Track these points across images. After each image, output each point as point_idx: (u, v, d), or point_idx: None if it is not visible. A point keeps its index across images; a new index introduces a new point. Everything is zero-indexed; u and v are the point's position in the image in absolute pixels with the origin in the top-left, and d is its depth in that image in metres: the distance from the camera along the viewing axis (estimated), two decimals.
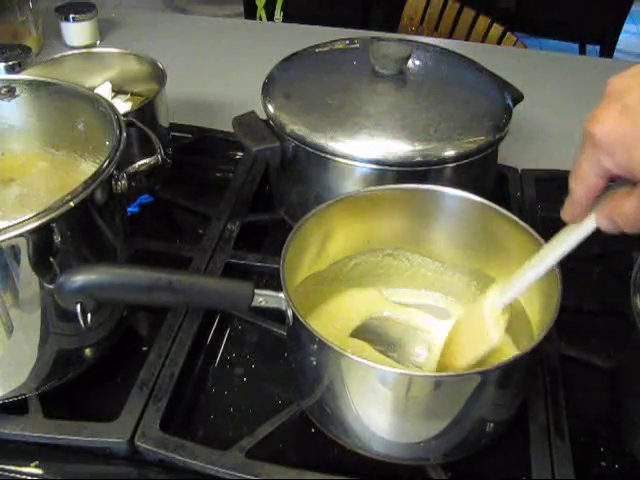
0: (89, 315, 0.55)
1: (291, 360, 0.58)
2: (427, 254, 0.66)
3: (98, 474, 0.58)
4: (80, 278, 0.52)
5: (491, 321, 0.54)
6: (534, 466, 0.56)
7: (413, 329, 0.64)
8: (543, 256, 0.50)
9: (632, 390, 0.59)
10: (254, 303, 0.55)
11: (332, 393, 0.53)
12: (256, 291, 0.55)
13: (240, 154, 0.92)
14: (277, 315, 0.55)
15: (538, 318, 0.56)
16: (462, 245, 0.64)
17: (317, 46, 0.83)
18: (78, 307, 0.54)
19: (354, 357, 0.48)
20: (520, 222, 0.58)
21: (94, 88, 0.85)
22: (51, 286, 0.53)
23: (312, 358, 0.53)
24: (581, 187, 0.44)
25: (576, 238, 0.47)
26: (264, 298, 0.55)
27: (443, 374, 0.54)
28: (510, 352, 0.59)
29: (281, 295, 0.53)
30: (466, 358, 0.55)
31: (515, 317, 0.61)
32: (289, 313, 0.53)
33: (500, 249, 0.61)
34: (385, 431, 0.54)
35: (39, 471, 0.57)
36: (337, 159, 0.69)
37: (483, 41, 1.64)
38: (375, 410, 0.52)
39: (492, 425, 0.55)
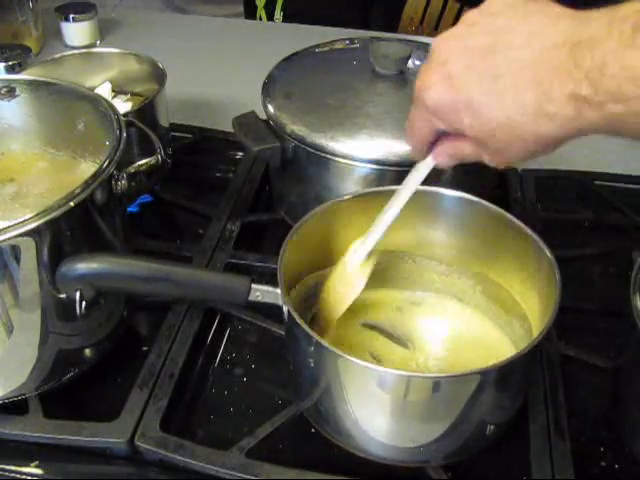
0: (84, 303, 0.56)
1: (289, 360, 0.58)
2: (432, 256, 0.66)
3: (98, 474, 0.58)
4: (81, 266, 0.53)
5: (354, 270, 0.59)
6: (534, 466, 0.56)
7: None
8: (395, 198, 0.56)
9: (632, 390, 0.59)
10: (251, 297, 0.55)
11: (329, 395, 0.53)
12: (253, 285, 0.55)
13: (240, 154, 0.92)
14: (277, 315, 0.55)
15: (537, 318, 0.56)
16: (464, 247, 0.64)
17: (317, 46, 0.83)
18: (77, 294, 0.55)
19: (350, 358, 0.48)
20: (519, 224, 0.58)
21: (94, 88, 0.85)
22: (51, 286, 0.54)
23: (309, 358, 0.53)
24: (416, 140, 0.51)
25: (419, 177, 0.54)
26: (261, 293, 0.55)
27: (442, 375, 0.54)
28: (509, 352, 0.59)
29: (278, 291, 0.54)
30: (339, 308, 0.59)
31: (514, 317, 0.61)
32: (285, 311, 0.53)
33: (501, 251, 0.61)
34: (384, 435, 0.54)
35: (39, 471, 0.57)
36: (337, 159, 0.69)
37: None
38: (373, 413, 0.52)
39: (492, 427, 0.55)
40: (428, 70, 0.46)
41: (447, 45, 0.46)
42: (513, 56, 0.42)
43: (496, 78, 0.42)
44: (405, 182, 0.56)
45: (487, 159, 0.48)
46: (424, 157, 0.53)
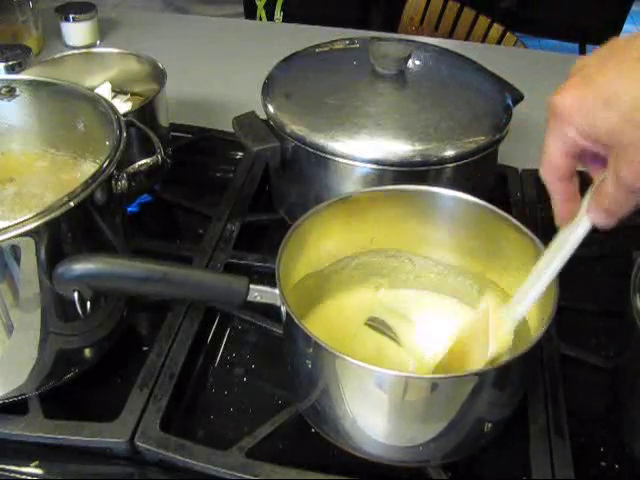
0: (88, 303, 0.56)
1: (287, 361, 0.58)
2: (429, 256, 0.66)
3: (98, 474, 0.58)
4: (78, 267, 0.53)
5: (493, 336, 0.53)
6: (534, 466, 0.56)
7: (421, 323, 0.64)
8: (544, 266, 0.49)
9: (632, 390, 0.59)
10: (249, 298, 0.55)
11: (328, 395, 0.53)
12: (251, 286, 0.55)
13: (240, 154, 0.92)
14: (277, 315, 0.55)
15: (536, 318, 0.56)
16: (462, 247, 0.64)
17: (317, 46, 0.83)
18: (75, 295, 0.55)
19: (348, 358, 0.48)
20: (518, 224, 0.58)
21: (94, 88, 0.85)
22: (51, 286, 0.54)
23: (307, 359, 0.53)
24: (551, 172, 0.44)
25: (574, 241, 0.46)
26: (259, 293, 0.55)
27: (439, 376, 0.54)
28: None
29: (276, 291, 0.53)
30: (465, 366, 0.55)
31: None
32: (283, 311, 0.53)
33: (500, 252, 0.61)
34: (382, 435, 0.54)
35: (39, 471, 0.57)
36: (337, 159, 0.69)
37: (483, 41, 1.65)
38: (372, 413, 0.52)
39: (490, 425, 0.55)
40: (564, 83, 0.42)
41: (585, 59, 0.41)
42: None
43: (635, 61, 0.38)
44: (555, 246, 0.48)
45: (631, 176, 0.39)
46: (571, 211, 0.46)
